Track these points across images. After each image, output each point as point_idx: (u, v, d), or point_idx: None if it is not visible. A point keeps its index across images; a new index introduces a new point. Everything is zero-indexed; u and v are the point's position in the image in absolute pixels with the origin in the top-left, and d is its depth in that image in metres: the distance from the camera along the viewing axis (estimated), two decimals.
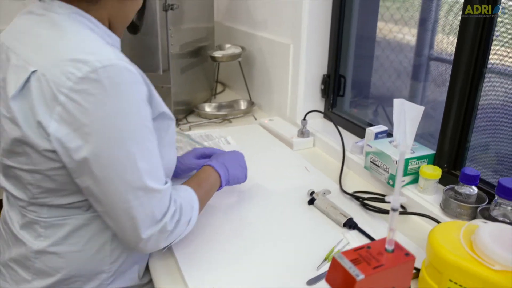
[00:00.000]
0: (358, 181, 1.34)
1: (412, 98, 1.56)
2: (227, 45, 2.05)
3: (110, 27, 0.86)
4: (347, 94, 1.69)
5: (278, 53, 1.78)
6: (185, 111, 1.89)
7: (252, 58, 2.02)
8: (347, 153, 1.42)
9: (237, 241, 1.01)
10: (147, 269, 0.98)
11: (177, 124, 1.77)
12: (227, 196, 1.21)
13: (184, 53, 1.81)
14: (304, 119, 1.57)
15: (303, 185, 1.27)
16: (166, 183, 0.81)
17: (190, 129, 1.74)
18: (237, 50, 1.97)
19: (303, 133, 1.58)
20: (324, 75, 1.69)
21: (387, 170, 1.19)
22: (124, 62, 0.73)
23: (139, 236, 0.76)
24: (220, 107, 1.97)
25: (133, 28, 1.60)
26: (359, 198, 1.19)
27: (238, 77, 2.11)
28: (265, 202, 1.20)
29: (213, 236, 1.03)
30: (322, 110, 1.75)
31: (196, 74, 1.96)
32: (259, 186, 1.28)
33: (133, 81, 0.73)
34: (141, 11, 1.58)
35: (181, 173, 1.20)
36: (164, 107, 0.87)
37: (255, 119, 1.83)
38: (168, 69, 1.70)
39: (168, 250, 0.96)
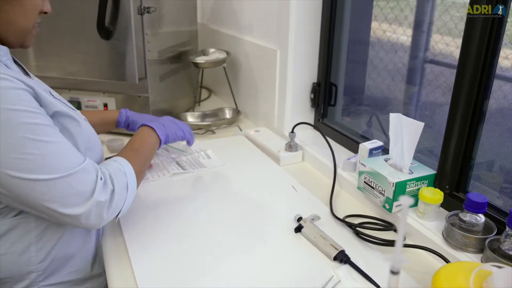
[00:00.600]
0: (350, 203, 1.22)
1: (406, 105, 1.43)
2: (211, 50, 1.92)
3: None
4: (338, 103, 1.57)
5: (265, 59, 1.65)
6: None
7: (238, 63, 1.90)
8: (338, 170, 1.30)
9: (207, 277, 0.89)
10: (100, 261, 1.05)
11: None
12: (201, 213, 1.08)
13: (163, 59, 1.68)
14: (292, 131, 1.45)
15: (289, 208, 1.15)
16: (83, 162, 0.84)
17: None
18: (222, 55, 1.85)
19: (291, 146, 1.46)
20: (313, 83, 1.56)
21: (383, 192, 1.07)
22: None
23: (73, 216, 0.81)
24: (204, 116, 1.85)
25: (106, 33, 1.48)
26: (351, 225, 1.07)
27: (224, 82, 1.99)
28: (245, 226, 1.07)
29: (177, 259, 0.94)
30: (312, 120, 1.63)
31: (177, 81, 1.83)
32: (239, 208, 1.15)
33: (3, 86, 0.75)
34: (114, 15, 1.45)
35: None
36: (58, 107, 0.87)
37: (240, 130, 1.71)
38: (145, 77, 1.57)
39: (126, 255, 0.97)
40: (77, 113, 0.96)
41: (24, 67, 0.99)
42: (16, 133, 0.75)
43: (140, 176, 0.99)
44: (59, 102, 0.89)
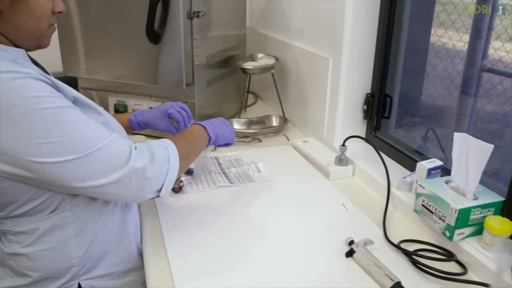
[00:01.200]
0: (405, 226, 1.13)
1: (466, 118, 1.33)
2: (260, 55, 1.87)
3: (12, 39, 0.85)
4: (392, 115, 1.48)
5: (316, 67, 1.58)
6: None
7: (287, 70, 1.83)
8: (392, 188, 1.22)
9: None
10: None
11: None
12: (244, 227, 1.03)
13: (211, 64, 1.64)
14: (343, 144, 1.38)
15: (339, 229, 1.08)
16: (109, 136, 0.83)
17: (215, 148, 1.57)
18: (270, 61, 1.79)
19: (341, 160, 1.39)
20: (367, 94, 1.48)
21: (443, 218, 0.98)
22: (2, 67, 0.74)
23: (110, 184, 0.81)
24: (250, 123, 1.80)
25: (154, 37, 1.45)
26: (407, 252, 0.99)
27: (272, 89, 1.93)
28: (290, 247, 1.01)
29: (216, 271, 0.93)
30: (364, 132, 1.55)
31: (224, 86, 1.79)
32: (285, 225, 1.09)
33: (16, 78, 0.74)
34: (163, 19, 1.43)
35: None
36: (77, 94, 0.89)
37: (288, 139, 1.64)
38: (192, 82, 1.53)
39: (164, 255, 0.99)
40: (100, 108, 0.96)
41: (45, 69, 0.98)
42: (37, 120, 0.75)
43: (184, 161, 0.96)
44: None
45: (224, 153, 1.49)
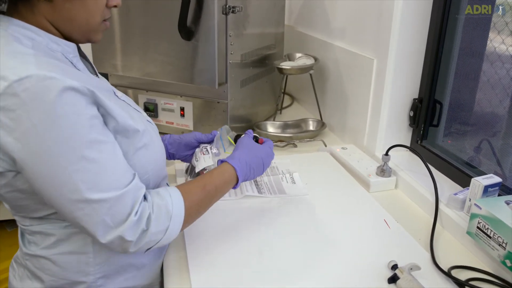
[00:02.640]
0: (456, 249, 1.01)
1: None
2: (298, 55, 1.77)
3: (62, 31, 0.80)
4: (441, 123, 1.35)
5: (358, 68, 1.47)
6: (243, 130, 1.62)
7: (326, 71, 1.72)
8: (441, 205, 1.10)
9: None
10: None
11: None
12: (272, 243, 0.93)
13: (246, 62, 1.55)
14: (387, 154, 1.26)
15: (381, 249, 0.97)
16: (125, 186, 0.75)
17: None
18: (309, 61, 1.69)
19: (383, 171, 1.27)
20: (414, 99, 1.36)
21: (503, 245, 0.86)
22: (46, 70, 0.69)
23: (98, 240, 0.74)
24: (285, 126, 1.70)
25: (187, 33, 1.37)
26: (460, 282, 0.87)
27: (309, 90, 1.83)
28: (325, 268, 0.91)
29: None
30: (408, 141, 1.42)
31: (259, 86, 1.69)
32: (319, 241, 0.99)
33: (58, 89, 0.68)
34: (197, 14, 1.36)
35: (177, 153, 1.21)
36: (127, 120, 0.81)
37: (325, 145, 1.53)
38: (225, 82, 1.45)
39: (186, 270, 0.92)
40: (141, 120, 0.87)
41: (92, 64, 0.92)
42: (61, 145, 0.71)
43: (194, 218, 0.89)
44: (122, 107, 0.82)
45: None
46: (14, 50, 0.72)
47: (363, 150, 1.46)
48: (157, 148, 0.91)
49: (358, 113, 1.49)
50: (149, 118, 0.95)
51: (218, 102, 1.48)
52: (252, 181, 1.25)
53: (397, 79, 1.32)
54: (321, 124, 1.67)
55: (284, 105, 1.99)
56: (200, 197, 0.88)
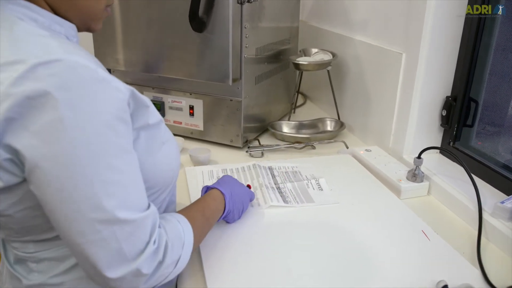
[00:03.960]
0: (506, 264, 0.89)
1: None
2: (314, 50, 1.65)
3: (60, 14, 0.69)
4: (475, 123, 1.24)
5: (383, 64, 1.36)
6: (257, 130, 1.51)
7: (344, 67, 1.61)
8: (485, 215, 0.98)
9: None
10: None
11: (247, 147, 1.40)
12: (297, 257, 0.82)
13: (261, 57, 1.44)
14: (419, 157, 1.15)
15: (422, 265, 0.86)
16: (147, 208, 0.65)
17: (262, 155, 1.37)
18: (327, 56, 1.57)
19: (415, 175, 1.15)
20: (447, 97, 1.24)
21: None
22: (76, 55, 0.58)
23: (103, 275, 0.60)
24: (300, 126, 1.58)
25: (198, 24, 1.25)
26: None
27: (324, 88, 1.72)
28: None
29: None
30: (439, 142, 1.31)
31: (274, 83, 1.58)
32: (350, 257, 0.87)
33: (93, 80, 0.58)
34: (209, 3, 1.26)
35: None
36: (156, 116, 0.74)
37: (347, 146, 1.42)
38: (240, 78, 1.33)
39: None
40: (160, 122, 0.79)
41: None
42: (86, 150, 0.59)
43: (199, 241, 0.82)
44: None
45: (280, 163, 1.28)
46: (26, 31, 0.61)
47: (388, 152, 1.35)
48: (175, 142, 0.83)
49: (383, 112, 1.38)
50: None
51: (231, 100, 1.36)
52: (275, 188, 1.13)
53: (429, 74, 1.21)
54: (340, 124, 1.56)
55: (297, 105, 1.88)
56: (202, 223, 0.81)
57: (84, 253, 0.60)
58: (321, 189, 1.14)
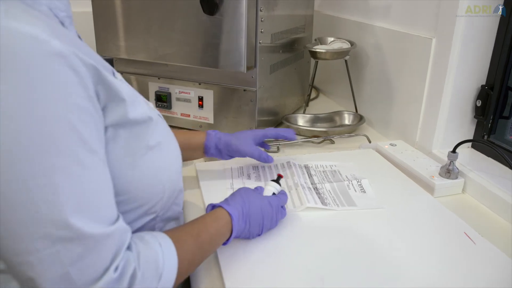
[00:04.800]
0: None
1: None
2: (330, 39, 1.55)
3: None
4: None
5: (409, 51, 1.25)
6: (271, 123, 1.41)
7: (363, 57, 1.51)
8: None
9: None
10: None
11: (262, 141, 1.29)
12: (330, 265, 0.72)
13: (276, 45, 1.33)
14: (454, 151, 1.04)
15: (474, 273, 0.76)
16: (112, 223, 0.52)
17: (278, 149, 1.26)
18: (345, 44, 1.47)
19: (449, 171, 1.05)
20: (482, 86, 1.14)
21: None
22: (23, 23, 0.46)
23: None
24: (316, 120, 1.48)
25: (210, 5, 1.14)
26: None
27: (339, 80, 1.62)
28: None
29: None
30: (471, 135, 1.21)
31: (288, 74, 1.47)
32: (398, 265, 0.77)
33: (42, 54, 0.46)
34: None
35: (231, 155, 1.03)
36: (142, 110, 0.61)
37: (369, 141, 1.31)
38: (254, 66, 1.23)
39: None
40: (151, 111, 0.66)
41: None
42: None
43: (180, 279, 0.63)
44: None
45: (316, 161, 1.16)
46: None
47: (415, 146, 1.24)
48: (173, 148, 0.69)
49: (408, 103, 1.27)
50: (158, 113, 0.73)
51: (244, 90, 1.26)
52: (313, 189, 1.02)
53: (463, 61, 1.10)
54: (359, 118, 1.45)
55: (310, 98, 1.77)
56: (193, 250, 0.65)
57: (24, 275, 0.48)
58: (364, 191, 1.02)
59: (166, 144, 0.66)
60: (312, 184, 1.04)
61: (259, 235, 0.81)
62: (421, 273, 0.75)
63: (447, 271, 0.76)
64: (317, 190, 1.01)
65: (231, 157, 1.04)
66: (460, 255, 0.81)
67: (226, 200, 0.79)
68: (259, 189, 0.88)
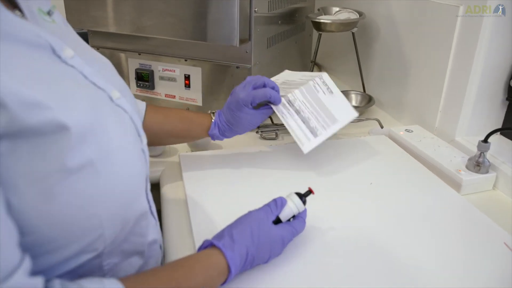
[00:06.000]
0: None
1: None
2: (335, 8, 1.36)
3: None
4: None
5: (429, 23, 1.07)
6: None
7: (372, 29, 1.33)
8: None
9: None
10: None
11: (257, 127, 1.12)
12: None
13: (273, 16, 1.15)
14: (486, 141, 0.88)
15: None
16: (7, 276, 0.37)
17: (277, 136, 1.10)
18: (353, 15, 1.29)
19: (479, 164, 0.89)
20: None
21: None
22: None
23: None
24: None
25: None
26: None
27: (344, 56, 1.44)
28: None
29: None
30: (500, 122, 1.04)
31: (287, 49, 1.30)
32: (419, 277, 0.62)
33: None
34: None
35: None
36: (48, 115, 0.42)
37: (381, 126, 1.14)
38: (249, 39, 1.05)
39: None
40: (103, 106, 0.51)
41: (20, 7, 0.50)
42: None
43: None
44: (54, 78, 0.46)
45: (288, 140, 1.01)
46: None
47: (434, 133, 1.08)
48: (122, 166, 0.50)
49: (426, 83, 1.10)
50: (128, 102, 0.56)
51: (237, 68, 1.08)
52: (287, 103, 0.89)
53: (497, 33, 0.93)
54: (368, 99, 1.28)
55: None
56: None
57: None
58: (331, 91, 0.95)
59: (105, 163, 0.47)
60: (283, 97, 0.89)
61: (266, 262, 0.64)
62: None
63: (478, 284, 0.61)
64: (291, 104, 0.89)
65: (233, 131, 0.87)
66: (498, 270, 0.66)
67: (228, 233, 0.59)
68: (272, 208, 0.65)
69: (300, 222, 0.67)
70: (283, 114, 0.87)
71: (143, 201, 0.56)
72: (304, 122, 0.88)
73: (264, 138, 1.09)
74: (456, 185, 0.88)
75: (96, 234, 0.48)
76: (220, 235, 0.60)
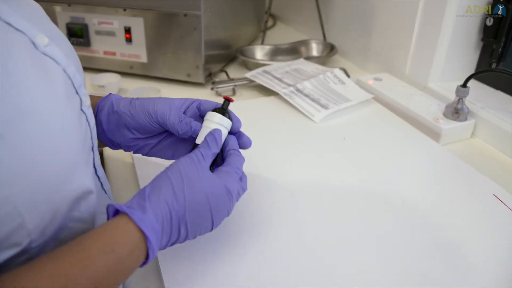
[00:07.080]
0: None
1: None
2: None
3: None
4: None
5: None
6: (223, 59, 1.11)
7: None
8: None
9: None
10: None
11: (212, 83, 1.00)
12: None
13: None
14: (465, 85, 0.80)
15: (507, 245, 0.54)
16: None
17: (234, 92, 0.99)
18: None
19: (457, 111, 0.81)
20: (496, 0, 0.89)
21: None
22: None
23: None
24: (277, 52, 1.20)
25: None
26: None
27: (300, 4, 1.33)
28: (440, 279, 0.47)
29: None
30: (474, 65, 0.97)
31: None
32: (396, 228, 0.54)
33: None
34: None
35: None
36: None
37: (348, 75, 1.05)
38: None
39: None
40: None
41: None
42: None
43: None
44: None
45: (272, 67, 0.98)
46: None
47: (405, 81, 1.00)
48: (46, 130, 0.37)
49: (394, 28, 1.01)
50: (62, 51, 0.42)
51: (185, 15, 0.95)
52: (295, 91, 0.90)
53: None
54: (330, 47, 1.18)
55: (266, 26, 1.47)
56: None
57: None
58: (343, 83, 0.95)
59: (15, 129, 0.34)
60: (290, 85, 0.91)
61: (212, 229, 0.48)
62: (447, 246, 0.52)
63: (478, 244, 0.54)
64: (300, 91, 0.89)
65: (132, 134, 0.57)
66: (489, 222, 0.60)
67: (140, 192, 0.44)
68: (204, 147, 0.49)
69: (234, 156, 0.50)
70: (290, 96, 0.87)
71: (85, 178, 0.43)
72: (313, 101, 0.87)
73: (220, 94, 0.97)
74: (434, 134, 0.81)
75: (13, 223, 0.35)
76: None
